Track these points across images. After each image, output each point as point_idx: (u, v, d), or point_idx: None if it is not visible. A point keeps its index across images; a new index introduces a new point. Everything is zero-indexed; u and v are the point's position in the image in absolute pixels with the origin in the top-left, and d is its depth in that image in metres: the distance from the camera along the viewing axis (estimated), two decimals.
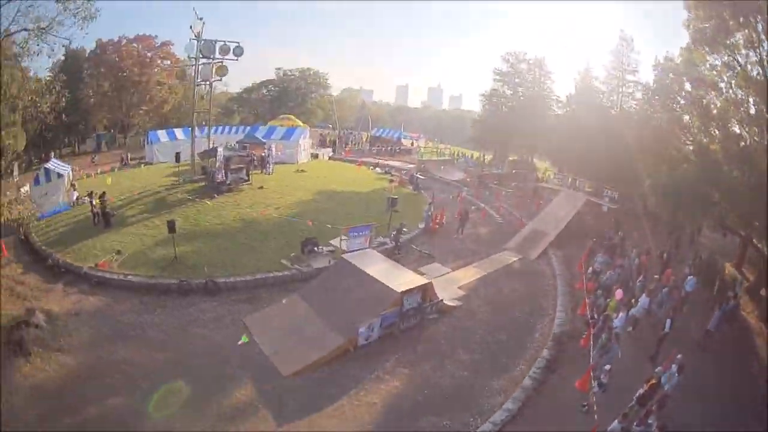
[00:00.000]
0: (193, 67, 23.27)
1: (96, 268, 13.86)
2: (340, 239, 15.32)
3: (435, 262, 16.38)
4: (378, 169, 32.62)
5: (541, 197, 25.77)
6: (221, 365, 9.92)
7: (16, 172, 23.86)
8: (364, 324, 10.68)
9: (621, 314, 11.40)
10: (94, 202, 17.82)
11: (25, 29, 17.83)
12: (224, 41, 22.35)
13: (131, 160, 33.53)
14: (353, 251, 14.28)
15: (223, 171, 21.08)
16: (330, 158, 38.09)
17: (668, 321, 11.16)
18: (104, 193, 18.24)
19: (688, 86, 17.32)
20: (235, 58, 22.63)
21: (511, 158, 38.93)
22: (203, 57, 22.35)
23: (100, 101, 44.44)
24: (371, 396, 9.32)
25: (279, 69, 64.23)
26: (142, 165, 31.34)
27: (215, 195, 20.41)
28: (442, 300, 12.48)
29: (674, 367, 9.28)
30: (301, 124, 42.43)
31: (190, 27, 21.62)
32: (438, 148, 46.46)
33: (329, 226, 17.27)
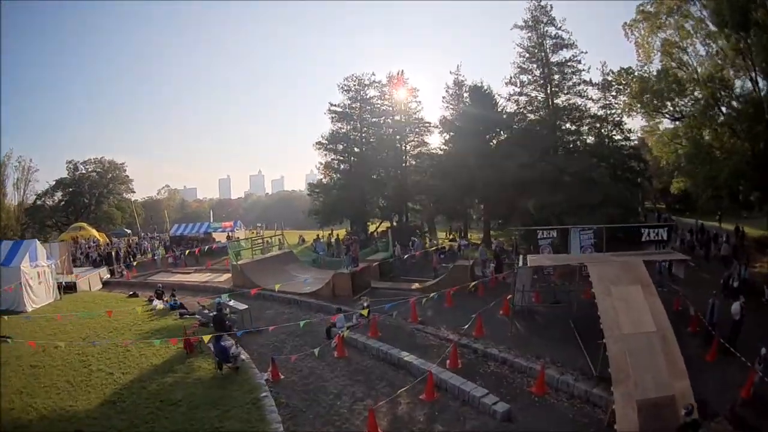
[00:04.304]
0: None
1: None
2: None
3: None
4: (168, 302, 16.59)
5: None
6: None
7: None
8: None
9: None
10: None
11: None
12: None
13: None
14: None
15: None
16: (105, 284, 22.91)
17: None
18: None
19: None
20: None
21: (381, 227, 29.22)
22: None
23: None
24: None
25: (70, 162, 47.20)
26: None
27: None
28: None
29: None
30: (96, 233, 33.75)
31: None
32: (263, 237, 26.61)
33: None
